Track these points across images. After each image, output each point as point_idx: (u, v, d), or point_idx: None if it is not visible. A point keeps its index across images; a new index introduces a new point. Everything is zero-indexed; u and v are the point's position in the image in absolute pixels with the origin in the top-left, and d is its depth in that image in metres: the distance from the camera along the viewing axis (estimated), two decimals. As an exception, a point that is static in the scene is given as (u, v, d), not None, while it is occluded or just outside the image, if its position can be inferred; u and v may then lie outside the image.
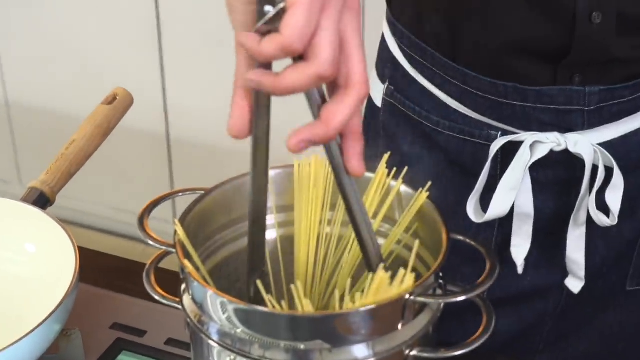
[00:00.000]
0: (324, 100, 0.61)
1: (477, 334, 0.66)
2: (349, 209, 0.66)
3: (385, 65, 0.96)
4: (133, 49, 2.09)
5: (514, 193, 0.88)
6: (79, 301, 0.88)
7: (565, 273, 0.93)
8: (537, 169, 0.89)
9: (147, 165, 2.23)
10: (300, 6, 0.56)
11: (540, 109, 0.86)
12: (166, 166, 2.21)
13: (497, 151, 0.88)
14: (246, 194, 0.67)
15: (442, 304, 0.68)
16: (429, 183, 0.73)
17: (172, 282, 0.73)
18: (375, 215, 0.75)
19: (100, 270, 1.04)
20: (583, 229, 0.90)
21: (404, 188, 0.75)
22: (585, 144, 0.86)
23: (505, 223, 0.92)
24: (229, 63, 0.63)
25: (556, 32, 0.83)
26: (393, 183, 0.75)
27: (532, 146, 0.87)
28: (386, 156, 0.75)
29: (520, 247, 0.91)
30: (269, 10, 0.57)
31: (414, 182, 0.90)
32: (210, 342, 0.66)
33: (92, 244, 1.07)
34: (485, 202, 0.90)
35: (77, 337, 0.91)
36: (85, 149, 1.02)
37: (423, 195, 0.73)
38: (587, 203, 0.88)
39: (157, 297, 0.71)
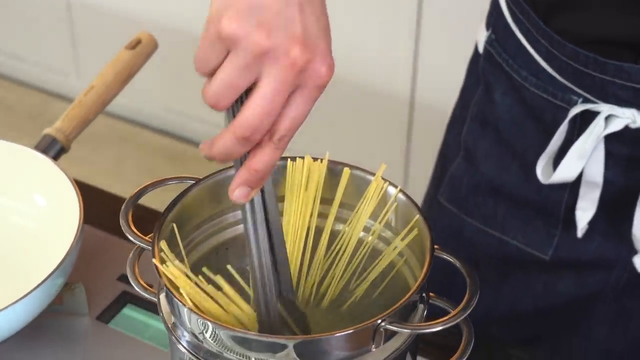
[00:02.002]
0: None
1: (454, 357, 0.65)
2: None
3: (492, 13, 0.98)
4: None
5: (583, 162, 0.89)
6: (86, 248, 0.88)
7: (632, 249, 0.93)
8: (612, 142, 0.89)
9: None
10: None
11: (619, 85, 0.85)
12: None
13: (576, 117, 0.89)
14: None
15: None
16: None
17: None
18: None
19: (110, 214, 1.04)
20: None
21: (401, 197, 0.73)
22: None
23: (577, 187, 0.93)
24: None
25: None
26: (391, 190, 0.73)
27: (607, 118, 0.87)
28: (383, 166, 0.73)
29: (585, 211, 0.92)
30: None
31: (498, 132, 0.95)
32: (181, 348, 0.66)
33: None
34: (557, 165, 0.91)
35: (80, 291, 0.92)
36: (104, 97, 1.01)
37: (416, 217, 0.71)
38: None
39: (137, 289, 0.71)
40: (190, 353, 0.66)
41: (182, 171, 2.27)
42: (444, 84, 1.95)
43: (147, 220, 0.76)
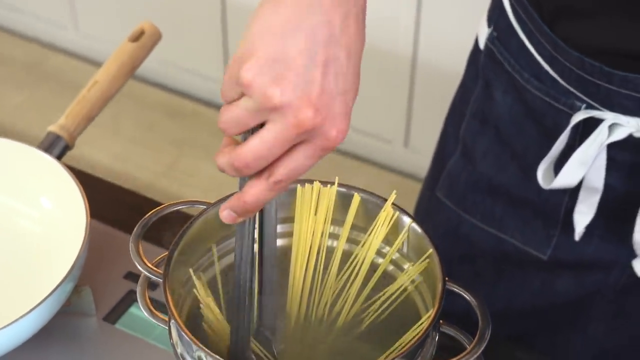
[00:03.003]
0: None
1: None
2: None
3: (494, 10, 0.96)
4: None
5: (585, 168, 0.88)
6: (91, 243, 0.87)
7: (631, 252, 0.92)
8: (615, 149, 0.88)
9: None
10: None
11: (624, 95, 0.84)
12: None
13: (579, 123, 0.88)
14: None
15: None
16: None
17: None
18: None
19: (115, 205, 1.04)
20: None
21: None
22: None
23: (577, 190, 0.92)
24: None
25: None
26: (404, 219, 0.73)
27: (611, 127, 0.86)
28: (394, 195, 0.72)
29: (583, 215, 0.92)
30: None
31: (498, 130, 0.94)
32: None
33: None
34: (558, 170, 0.91)
35: (87, 294, 0.92)
36: (107, 92, 1.00)
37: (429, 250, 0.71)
38: None
39: (151, 318, 0.71)
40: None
41: (181, 127, 2.27)
42: (446, 43, 1.93)
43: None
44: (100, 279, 0.96)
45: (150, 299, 0.73)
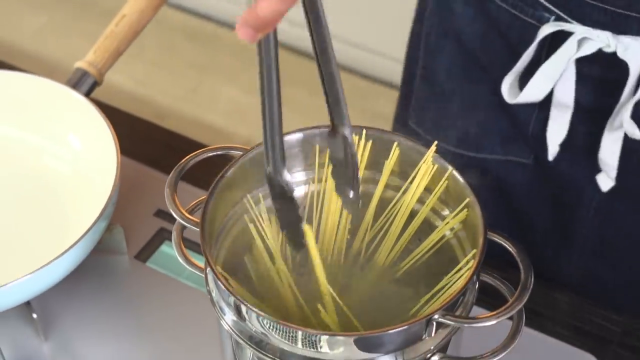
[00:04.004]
0: None
1: (499, 345, 0.65)
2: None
3: None
4: None
5: (552, 83, 0.86)
6: (122, 183, 0.86)
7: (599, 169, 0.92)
8: (584, 62, 0.85)
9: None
10: None
11: (595, 7, 0.82)
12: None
13: (547, 37, 0.85)
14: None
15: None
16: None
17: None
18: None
19: (143, 141, 1.03)
20: (619, 134, 0.87)
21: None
22: (636, 49, 0.82)
23: (545, 108, 0.90)
24: None
25: None
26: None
27: (580, 41, 0.84)
28: (434, 147, 0.71)
29: (555, 134, 0.90)
30: None
31: (460, 44, 0.89)
32: (226, 325, 0.67)
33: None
34: (523, 86, 0.88)
35: (118, 232, 0.92)
36: (136, 26, 0.98)
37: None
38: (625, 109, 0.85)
39: (188, 267, 0.70)
40: (237, 335, 0.66)
41: (201, 50, 2.24)
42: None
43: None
44: (130, 217, 0.95)
45: (184, 240, 0.72)
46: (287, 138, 0.72)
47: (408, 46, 1.03)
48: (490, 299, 0.70)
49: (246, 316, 0.65)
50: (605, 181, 0.91)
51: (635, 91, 0.84)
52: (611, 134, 0.87)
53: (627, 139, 0.87)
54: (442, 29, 0.94)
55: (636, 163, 0.90)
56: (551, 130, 0.90)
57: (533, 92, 0.87)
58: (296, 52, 2.06)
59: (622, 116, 0.84)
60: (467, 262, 0.69)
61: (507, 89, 0.88)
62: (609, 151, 0.88)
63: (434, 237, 0.72)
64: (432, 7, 0.95)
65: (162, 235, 0.95)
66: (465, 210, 0.70)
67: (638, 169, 0.91)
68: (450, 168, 0.70)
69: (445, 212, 0.73)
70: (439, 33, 0.95)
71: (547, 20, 0.84)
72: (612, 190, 0.92)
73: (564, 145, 0.91)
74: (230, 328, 0.66)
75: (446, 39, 0.94)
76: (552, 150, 0.91)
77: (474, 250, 0.67)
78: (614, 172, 0.89)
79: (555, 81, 0.86)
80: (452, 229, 0.72)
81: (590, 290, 0.96)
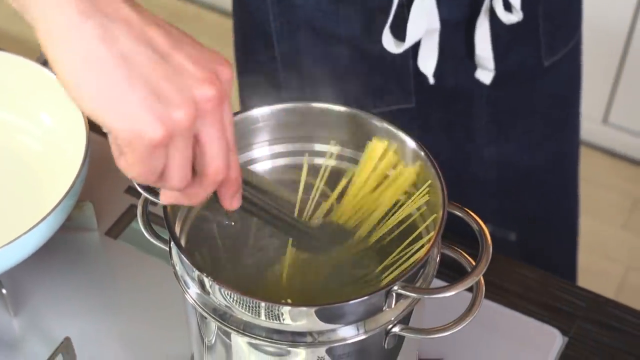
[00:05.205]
0: None
1: (458, 317, 0.66)
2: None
3: None
4: None
5: (426, 14, 0.90)
6: (92, 159, 0.87)
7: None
8: None
9: None
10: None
11: None
12: None
13: None
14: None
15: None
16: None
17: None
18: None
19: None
20: (486, 25, 0.94)
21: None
22: None
23: (416, 44, 0.95)
24: None
25: None
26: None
27: None
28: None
29: (428, 60, 0.95)
30: None
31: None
32: (190, 299, 0.67)
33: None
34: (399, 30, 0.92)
35: (89, 209, 0.92)
36: None
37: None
38: (488, 7, 0.92)
39: (151, 239, 0.71)
40: (201, 308, 0.67)
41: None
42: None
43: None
44: (101, 193, 0.96)
45: (149, 215, 0.72)
46: (251, 112, 0.74)
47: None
48: (455, 274, 0.71)
49: (210, 290, 0.66)
50: (486, 75, 0.97)
51: None
52: (480, 28, 0.94)
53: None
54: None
55: (503, 49, 0.97)
56: (422, 57, 0.94)
57: (414, 33, 0.91)
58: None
59: (487, 12, 0.92)
60: (430, 237, 0.70)
61: (392, 42, 0.92)
62: (483, 42, 0.94)
63: (399, 215, 0.72)
64: None
65: (132, 212, 0.95)
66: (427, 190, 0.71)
67: (505, 53, 0.97)
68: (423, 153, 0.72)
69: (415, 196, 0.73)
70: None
71: None
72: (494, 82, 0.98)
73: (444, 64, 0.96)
74: (195, 301, 0.67)
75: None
76: (430, 73, 0.95)
77: (434, 216, 0.68)
78: (491, 64, 0.96)
79: (429, 11, 0.90)
80: (418, 209, 0.72)
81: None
